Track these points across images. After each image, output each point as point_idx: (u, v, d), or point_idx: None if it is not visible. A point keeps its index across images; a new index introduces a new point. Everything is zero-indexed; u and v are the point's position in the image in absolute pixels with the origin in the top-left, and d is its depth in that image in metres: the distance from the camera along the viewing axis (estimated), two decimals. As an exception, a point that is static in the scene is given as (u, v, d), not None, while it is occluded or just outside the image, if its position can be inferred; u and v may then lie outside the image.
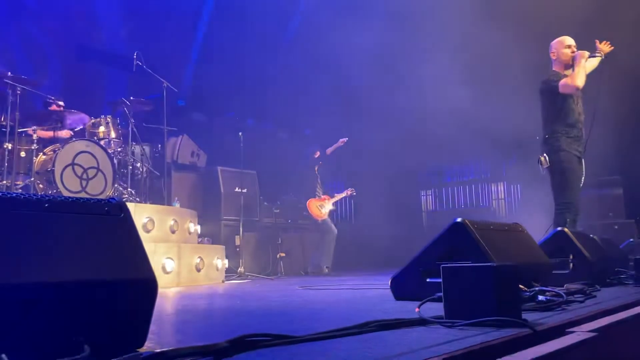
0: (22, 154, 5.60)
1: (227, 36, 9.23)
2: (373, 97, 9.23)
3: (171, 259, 5.36)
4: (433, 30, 8.03)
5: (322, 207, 8.23)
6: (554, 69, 4.93)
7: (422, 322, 1.99)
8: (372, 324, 1.90)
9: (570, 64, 4.80)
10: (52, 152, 5.55)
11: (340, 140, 8.56)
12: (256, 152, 8.71)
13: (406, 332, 1.85)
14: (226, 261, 6.59)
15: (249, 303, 3.45)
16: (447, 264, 2.14)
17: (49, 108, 6.09)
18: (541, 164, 4.77)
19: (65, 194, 5.31)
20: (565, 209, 4.62)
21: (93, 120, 6.25)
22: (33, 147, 5.62)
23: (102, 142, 5.94)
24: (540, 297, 2.47)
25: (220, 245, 6.94)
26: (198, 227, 6.65)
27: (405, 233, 9.44)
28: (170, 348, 1.39)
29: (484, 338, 1.63)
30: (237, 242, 7.84)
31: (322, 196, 8.35)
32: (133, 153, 6.53)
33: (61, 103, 6.15)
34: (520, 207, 10.06)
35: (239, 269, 7.29)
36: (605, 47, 4.94)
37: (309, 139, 10.54)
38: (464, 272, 2.06)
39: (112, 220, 1.65)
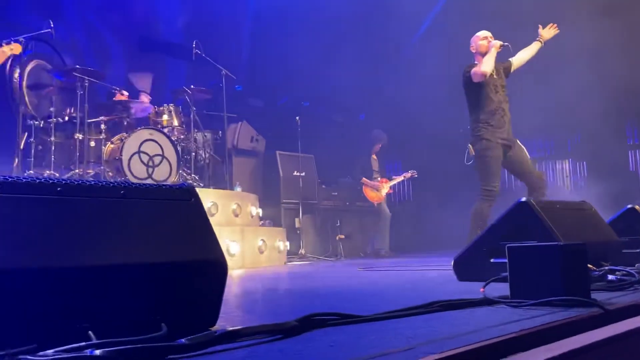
0: (92, 143, 5.86)
1: (281, 22, 9.28)
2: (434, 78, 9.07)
3: (235, 241, 5.51)
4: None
5: (379, 190, 8.22)
6: (475, 61, 5.02)
7: (487, 302, 1.98)
8: (437, 303, 1.90)
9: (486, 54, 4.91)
10: (119, 141, 5.77)
11: (410, 172, 8.53)
12: (313, 136, 8.75)
13: (472, 311, 1.85)
14: (287, 243, 6.70)
15: (312, 284, 3.52)
16: (512, 244, 2.11)
17: (115, 98, 6.33)
18: (469, 154, 4.94)
19: (133, 180, 5.52)
20: (486, 196, 4.76)
21: (156, 109, 6.45)
22: (101, 137, 5.87)
23: (165, 130, 6.13)
24: (610, 277, 2.40)
25: (281, 227, 7.06)
26: (259, 211, 6.79)
27: (464, 215, 9.28)
28: (242, 326, 1.45)
29: (552, 317, 1.61)
30: (297, 224, 7.94)
31: (380, 179, 8.33)
32: (195, 140, 6.71)
33: (126, 93, 6.38)
34: (587, 185, 9.69)
35: (300, 251, 7.41)
36: (548, 31, 5.03)
37: (364, 124, 10.50)
38: (530, 252, 2.04)
39: (183, 205, 1.72)
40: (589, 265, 2.27)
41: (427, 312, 1.84)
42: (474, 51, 5.07)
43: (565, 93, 7.75)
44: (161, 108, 6.46)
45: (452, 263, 3.09)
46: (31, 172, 5.58)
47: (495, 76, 4.92)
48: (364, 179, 8.19)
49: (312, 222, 8.31)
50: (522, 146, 4.99)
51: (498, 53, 4.88)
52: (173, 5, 9.53)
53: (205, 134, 7.05)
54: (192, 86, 6.74)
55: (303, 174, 8.18)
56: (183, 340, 1.27)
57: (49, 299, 1.34)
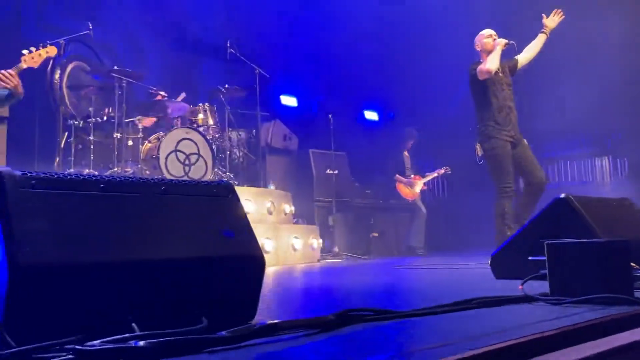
0: (130, 142, 5.99)
1: (313, 20, 9.30)
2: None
3: (269, 239, 5.56)
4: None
5: (412, 187, 8.18)
6: (480, 60, 5.03)
7: (526, 299, 1.96)
8: (474, 300, 1.89)
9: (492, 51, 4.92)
10: (156, 140, 5.88)
11: (443, 169, 8.45)
12: (345, 133, 8.75)
13: (510, 309, 1.83)
14: (321, 241, 6.72)
15: (347, 281, 3.53)
16: (551, 241, 2.08)
17: (152, 99, 6.45)
18: (477, 153, 4.97)
19: (170, 178, 5.62)
20: (504, 194, 4.74)
21: (192, 109, 6.55)
22: (139, 136, 5.99)
23: (201, 129, 6.21)
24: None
25: (315, 225, 7.09)
26: (293, 208, 6.83)
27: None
28: (280, 320, 1.47)
29: (592, 315, 1.59)
30: (331, 222, 7.96)
31: (413, 176, 8.28)
32: (230, 139, 6.79)
33: (163, 93, 6.49)
34: (628, 182, 9.44)
35: (334, 248, 7.42)
36: (552, 20, 4.99)
37: (398, 121, 10.44)
38: (570, 249, 2.00)
39: (222, 201, 1.76)
40: (632, 264, 2.22)
41: (464, 309, 1.83)
42: (478, 49, 5.09)
43: (605, 89, 7.57)
44: (197, 107, 6.55)
45: (489, 261, 3.05)
46: (71, 170, 5.73)
47: (500, 74, 4.94)
48: (397, 175, 8.17)
49: (345, 220, 8.31)
50: (527, 145, 4.98)
51: (503, 51, 4.90)
52: (208, 5, 9.65)
53: (240, 132, 7.13)
54: (226, 85, 6.83)
55: (336, 171, 8.19)
56: (223, 332, 1.30)
57: (94, 292, 1.39)
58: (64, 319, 1.33)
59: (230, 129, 6.83)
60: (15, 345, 1.19)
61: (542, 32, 5.04)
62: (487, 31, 5.09)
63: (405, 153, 8.48)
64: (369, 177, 9.01)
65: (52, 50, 4.13)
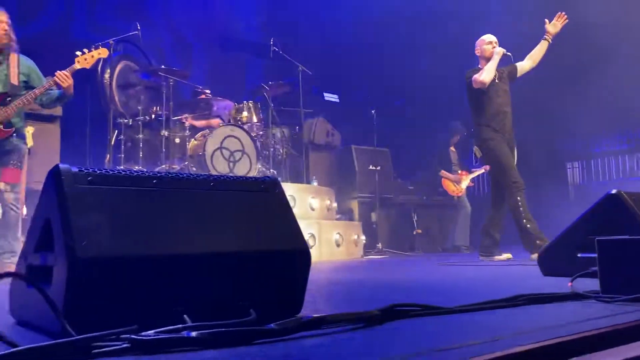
0: (177, 140, 6.13)
1: (356, 16, 9.28)
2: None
3: (312, 234, 5.60)
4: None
5: (459, 183, 8.07)
6: (479, 65, 5.10)
7: (576, 296, 1.92)
8: (522, 297, 1.87)
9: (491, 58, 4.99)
10: (202, 138, 6.00)
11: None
12: (389, 129, 8.71)
13: (559, 306, 1.80)
14: (364, 237, 6.73)
15: (391, 277, 3.53)
16: (601, 237, 2.03)
17: (198, 97, 6.58)
18: (475, 155, 5.11)
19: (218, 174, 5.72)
20: (514, 189, 4.78)
21: (237, 106, 6.65)
22: (186, 134, 6.12)
23: (245, 126, 6.30)
24: None
25: (357, 222, 7.09)
26: (335, 205, 6.85)
27: (550, 208, 8.94)
28: (326, 314, 1.49)
29: (647, 314, 1.54)
30: (373, 218, 7.95)
31: (460, 172, 8.17)
32: (273, 135, 6.86)
33: (208, 91, 6.61)
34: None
35: (377, 245, 7.41)
36: (555, 25, 4.98)
37: (440, 116, 10.32)
38: (622, 246, 1.95)
39: (268, 196, 1.79)
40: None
41: (512, 305, 1.81)
42: (478, 54, 5.14)
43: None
44: (241, 105, 6.65)
45: (537, 258, 3.00)
46: (121, 167, 5.91)
47: (497, 81, 5.00)
48: (442, 171, 8.07)
49: (388, 216, 8.29)
50: (514, 152, 5.09)
51: (500, 59, 4.98)
52: (251, 4, 9.76)
53: (283, 129, 7.20)
54: (270, 83, 6.89)
55: (379, 167, 8.17)
56: (272, 325, 1.33)
57: (147, 284, 1.44)
58: (119, 309, 1.39)
59: (273, 126, 6.90)
60: (75, 334, 1.24)
61: (544, 39, 5.04)
62: (489, 37, 5.13)
63: (452, 148, 8.36)
64: (412, 173, 8.95)
65: (103, 52, 4.27)
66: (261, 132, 6.63)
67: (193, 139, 6.11)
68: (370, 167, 8.18)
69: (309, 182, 7.15)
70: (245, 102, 6.71)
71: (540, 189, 9.53)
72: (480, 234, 5.19)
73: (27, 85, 4.13)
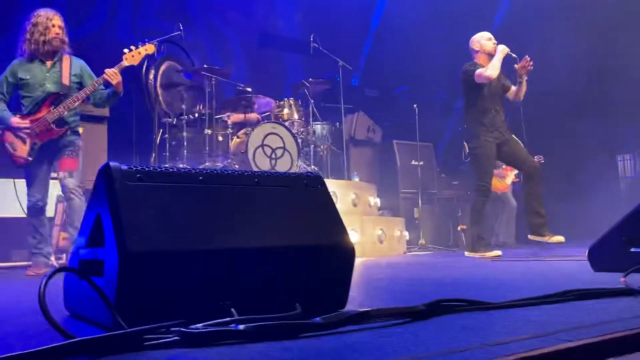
0: (220, 138, 6.22)
1: (398, 11, 9.21)
2: (551, 49, 8.55)
3: (355, 230, 5.59)
4: None
5: (503, 179, 7.90)
6: (475, 60, 5.20)
7: (629, 292, 1.86)
8: (572, 292, 1.82)
9: (493, 54, 5.05)
10: (244, 135, 6.07)
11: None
12: (432, 124, 8.61)
13: (611, 302, 1.74)
14: (406, 233, 6.68)
15: (435, 272, 3.49)
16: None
17: (239, 95, 6.65)
18: (465, 151, 5.20)
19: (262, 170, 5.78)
20: (480, 191, 5.03)
21: (278, 103, 6.69)
22: (228, 132, 6.21)
23: (286, 124, 6.34)
24: None
25: (400, 217, 7.05)
26: (377, 200, 6.82)
27: (599, 202, 8.68)
28: (372, 308, 1.49)
29: None
30: (416, 214, 7.88)
31: (504, 167, 8.00)
32: (314, 132, 6.88)
33: (249, 89, 6.68)
34: None
35: (420, 240, 7.35)
36: (523, 68, 5.05)
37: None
38: (679, 240, 1.88)
39: (312, 192, 1.79)
40: None
41: (561, 300, 1.76)
42: (476, 49, 5.21)
43: None
44: (282, 102, 6.69)
45: (587, 253, 2.92)
46: (166, 165, 6.04)
47: (495, 81, 5.06)
48: None
49: (432, 212, 8.20)
50: (517, 140, 5.22)
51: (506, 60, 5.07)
52: (289, 1, 9.80)
53: (324, 125, 7.21)
54: (310, 79, 6.91)
55: (421, 163, 8.09)
56: (318, 319, 1.33)
57: (195, 278, 1.46)
58: (168, 302, 1.42)
59: (314, 123, 6.92)
60: (127, 327, 1.28)
61: (519, 82, 5.14)
62: (487, 34, 5.25)
63: None
64: (455, 168, 8.83)
65: (150, 48, 4.36)
66: (302, 129, 6.66)
67: (235, 137, 6.19)
68: (413, 162, 8.12)
69: (350, 178, 7.14)
70: (285, 99, 6.75)
71: (590, 182, 9.27)
72: (527, 217, 5.14)
73: (80, 86, 4.26)
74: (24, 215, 4.98)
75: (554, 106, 8.93)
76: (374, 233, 5.91)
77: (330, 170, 7.07)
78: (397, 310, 1.50)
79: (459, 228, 8.02)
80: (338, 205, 5.84)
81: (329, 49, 7.03)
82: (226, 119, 6.27)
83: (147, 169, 1.54)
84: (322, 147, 7.01)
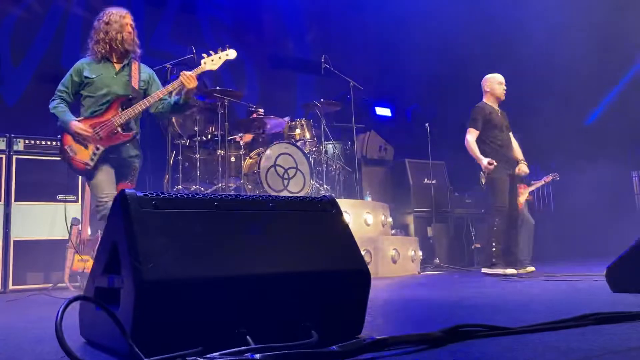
0: (232, 159, 6.24)
1: (409, 31, 9.26)
2: (570, 68, 8.54)
3: (368, 251, 5.56)
4: None
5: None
6: (484, 100, 5.67)
7: (651, 316, 1.82)
8: (591, 316, 1.79)
9: (502, 100, 5.63)
10: (256, 156, 6.08)
11: (551, 176, 8.06)
12: (443, 142, 8.59)
13: (633, 326, 1.71)
14: (420, 252, 6.63)
15: (451, 294, 3.45)
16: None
17: (251, 116, 6.69)
18: (481, 181, 5.47)
19: (270, 193, 5.79)
20: (499, 212, 5.33)
21: (289, 124, 6.72)
22: (241, 152, 6.23)
23: (298, 143, 6.36)
24: None
25: (413, 237, 7.00)
26: (390, 220, 6.78)
27: (614, 219, 8.59)
28: (389, 336, 1.47)
29: None
30: (430, 233, 7.83)
31: (518, 185, 7.90)
32: (326, 152, 6.89)
33: (261, 110, 6.71)
34: None
35: (435, 260, 7.28)
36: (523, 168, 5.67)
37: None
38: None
39: (326, 216, 1.79)
40: None
41: (581, 325, 1.73)
42: (487, 89, 5.63)
43: None
44: (294, 122, 6.71)
45: (605, 273, 2.87)
46: (179, 187, 6.06)
47: (499, 115, 5.56)
48: None
49: (445, 230, 8.14)
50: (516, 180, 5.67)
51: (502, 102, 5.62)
52: (301, 22, 9.90)
53: (335, 145, 7.22)
54: (321, 100, 6.94)
55: (434, 181, 8.06)
56: (334, 347, 1.32)
57: (210, 305, 1.46)
58: (184, 331, 1.41)
59: (326, 142, 6.93)
60: (143, 356, 1.27)
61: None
62: (500, 77, 5.61)
63: None
64: (468, 186, 8.77)
65: (231, 53, 4.06)
66: (314, 149, 6.67)
67: (248, 157, 6.20)
68: (425, 181, 8.09)
69: (362, 198, 7.12)
70: (297, 119, 6.77)
71: (605, 199, 9.17)
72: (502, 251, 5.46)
73: (145, 94, 3.95)
74: (41, 238, 5.00)
75: (572, 114, 8.87)
76: (387, 253, 5.87)
77: (342, 190, 7.06)
78: (414, 337, 1.49)
79: (473, 247, 7.94)
80: (351, 225, 5.83)
81: (340, 69, 7.07)
82: (239, 139, 6.30)
83: (162, 196, 1.55)
84: (334, 166, 7.01)
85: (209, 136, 6.25)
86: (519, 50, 8.68)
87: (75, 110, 3.93)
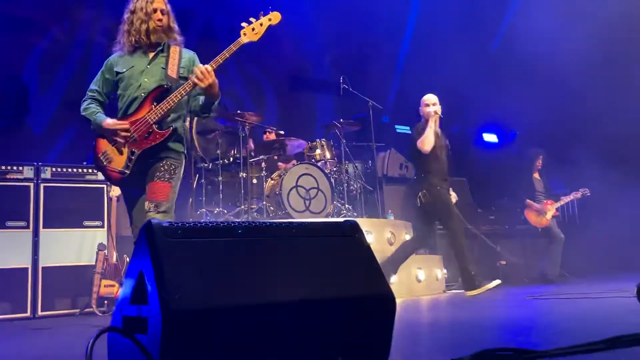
0: (254, 180, 6.29)
1: (426, 49, 9.30)
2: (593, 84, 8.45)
3: (392, 270, 5.51)
4: None
5: (544, 214, 7.65)
6: (423, 120, 5.61)
7: (686, 336, 1.77)
8: (625, 338, 1.74)
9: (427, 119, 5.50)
10: (278, 177, 6.13)
11: (580, 191, 7.92)
12: (464, 157, 8.55)
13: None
14: (445, 271, 6.56)
15: (478, 314, 3.40)
16: None
17: (272, 138, 6.74)
18: (420, 200, 5.52)
19: (292, 214, 5.81)
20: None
21: (310, 145, 6.75)
22: (262, 174, 6.28)
23: (319, 164, 6.38)
24: None
25: (438, 255, 6.94)
26: (414, 238, 6.73)
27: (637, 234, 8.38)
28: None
29: None
30: (454, 251, 7.74)
31: (545, 200, 7.75)
32: (347, 171, 6.90)
33: (281, 132, 6.77)
34: None
35: (460, 278, 7.19)
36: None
37: (518, 141, 10.03)
38: None
39: (349, 241, 1.79)
40: None
41: (615, 347, 1.69)
42: (421, 114, 5.62)
43: None
44: (314, 143, 6.75)
45: (636, 290, 2.80)
46: (203, 210, 6.12)
47: (439, 137, 5.52)
48: (528, 201, 7.69)
49: (470, 247, 8.03)
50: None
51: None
52: (319, 43, 10.00)
53: (356, 164, 7.23)
54: (341, 120, 6.97)
55: (456, 198, 8.00)
56: (362, 375, 1.31)
57: (239, 334, 1.46)
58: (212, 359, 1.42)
59: (346, 162, 6.95)
60: (171, 386, 1.28)
61: None
62: (429, 98, 5.58)
63: (536, 175, 7.96)
64: (491, 202, 8.68)
65: (275, 17, 3.40)
66: (335, 169, 6.70)
67: (270, 179, 6.25)
68: (448, 198, 8.03)
69: (384, 216, 7.09)
70: (317, 140, 6.81)
71: (627, 213, 8.97)
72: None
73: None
74: (69, 264, 5.07)
75: (598, 124, 8.74)
76: (411, 272, 5.83)
77: (364, 209, 7.04)
78: (443, 363, 1.47)
79: (498, 264, 7.83)
80: (374, 244, 5.81)
81: (359, 89, 7.10)
82: (260, 161, 6.36)
83: (187, 225, 1.57)
84: (355, 185, 7.01)
85: (231, 159, 6.31)
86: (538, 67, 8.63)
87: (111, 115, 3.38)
